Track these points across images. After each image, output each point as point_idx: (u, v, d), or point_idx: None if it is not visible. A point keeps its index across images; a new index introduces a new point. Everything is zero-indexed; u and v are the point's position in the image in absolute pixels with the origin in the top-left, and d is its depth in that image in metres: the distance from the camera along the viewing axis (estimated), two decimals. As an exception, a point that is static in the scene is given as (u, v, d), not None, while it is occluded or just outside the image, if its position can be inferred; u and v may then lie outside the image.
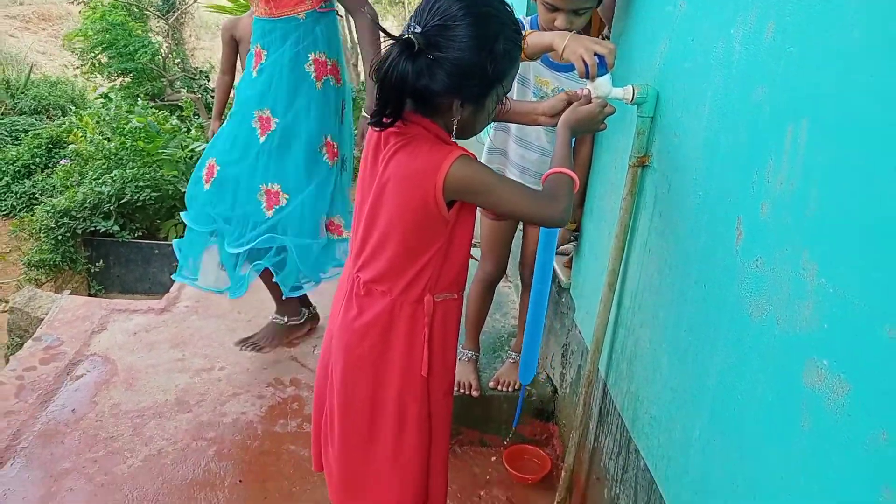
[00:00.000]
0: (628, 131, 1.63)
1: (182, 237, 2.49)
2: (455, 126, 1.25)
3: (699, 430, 1.29)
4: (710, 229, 1.27)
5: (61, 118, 7.14)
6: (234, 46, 3.06)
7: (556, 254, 2.28)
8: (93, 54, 7.74)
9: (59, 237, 4.08)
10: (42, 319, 2.95)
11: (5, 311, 4.10)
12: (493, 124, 1.96)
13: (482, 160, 1.99)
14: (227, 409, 2.42)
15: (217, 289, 2.50)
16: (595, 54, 1.44)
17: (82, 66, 8.19)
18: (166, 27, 8.44)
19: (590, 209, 2.01)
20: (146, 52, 7.31)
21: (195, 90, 7.89)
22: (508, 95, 1.38)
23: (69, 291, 3.82)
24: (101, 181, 4.18)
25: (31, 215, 4.51)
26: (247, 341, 2.68)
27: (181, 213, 2.50)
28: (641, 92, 1.50)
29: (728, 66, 1.21)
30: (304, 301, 2.76)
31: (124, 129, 4.64)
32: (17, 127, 6.99)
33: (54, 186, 4.77)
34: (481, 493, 2.14)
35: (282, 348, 2.75)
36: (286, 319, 2.70)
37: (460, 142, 1.32)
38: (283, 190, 2.33)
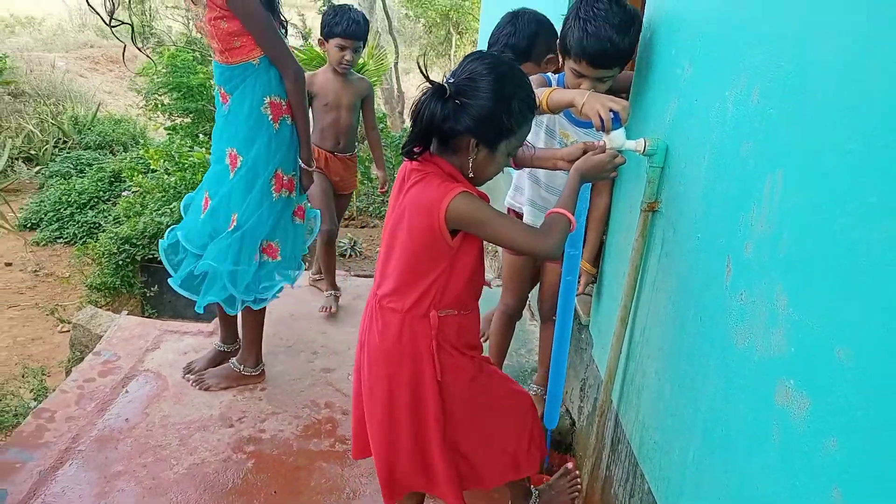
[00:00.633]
0: (643, 180, 1.79)
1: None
2: (470, 165, 1.45)
3: (693, 451, 1.41)
4: (706, 268, 1.42)
5: (123, 154, 7.59)
6: (308, 100, 3.16)
7: (581, 295, 2.44)
8: (156, 94, 8.23)
9: (120, 262, 4.38)
10: (101, 336, 3.19)
11: (66, 331, 4.39)
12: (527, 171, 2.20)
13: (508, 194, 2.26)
14: (266, 426, 2.59)
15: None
16: (610, 110, 1.62)
17: (146, 105, 8.71)
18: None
19: (608, 251, 2.16)
20: (207, 94, 7.76)
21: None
22: (536, 144, 1.59)
23: (126, 312, 4.09)
24: (160, 212, 4.50)
25: (95, 241, 4.84)
26: (195, 372, 2.85)
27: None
28: (652, 144, 1.66)
29: (723, 123, 1.38)
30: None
31: (185, 163, 4.99)
32: (83, 160, 7.45)
33: (117, 216, 5.12)
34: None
35: (319, 372, 2.93)
36: (242, 367, 2.83)
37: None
38: (239, 217, 2.55)
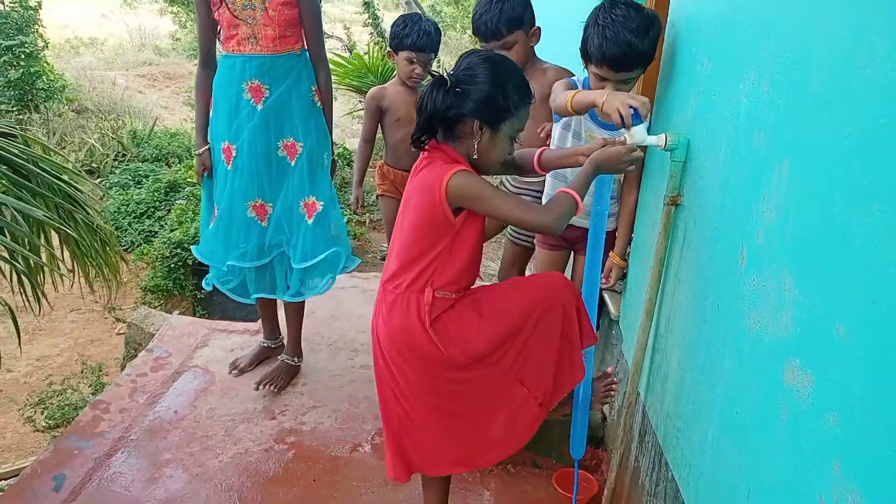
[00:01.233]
0: (667, 174, 1.83)
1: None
2: (476, 148, 1.55)
3: (711, 435, 1.44)
4: (722, 256, 1.45)
5: (178, 165, 7.90)
6: (378, 116, 3.04)
7: (611, 290, 2.47)
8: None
9: (172, 265, 4.59)
10: (154, 335, 3.35)
11: (122, 333, 4.61)
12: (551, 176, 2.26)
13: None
14: (307, 419, 2.69)
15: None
16: (630, 107, 1.66)
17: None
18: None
19: (635, 246, 2.19)
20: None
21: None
22: (564, 146, 1.67)
23: (178, 312, 4.28)
24: (210, 218, 4.69)
25: (150, 246, 5.08)
26: (240, 368, 2.97)
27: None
28: (673, 139, 1.70)
29: (738, 115, 1.41)
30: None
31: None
32: (140, 172, 7.78)
33: (171, 222, 5.35)
34: (530, 508, 2.30)
35: (358, 369, 3.02)
36: (295, 360, 2.95)
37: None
38: (317, 199, 2.64)
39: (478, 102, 1.52)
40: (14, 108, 8.64)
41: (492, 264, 4.85)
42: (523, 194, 2.56)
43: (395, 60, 2.99)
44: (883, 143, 0.89)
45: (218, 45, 2.60)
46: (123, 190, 7.09)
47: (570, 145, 2.19)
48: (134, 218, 6.56)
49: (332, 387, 2.91)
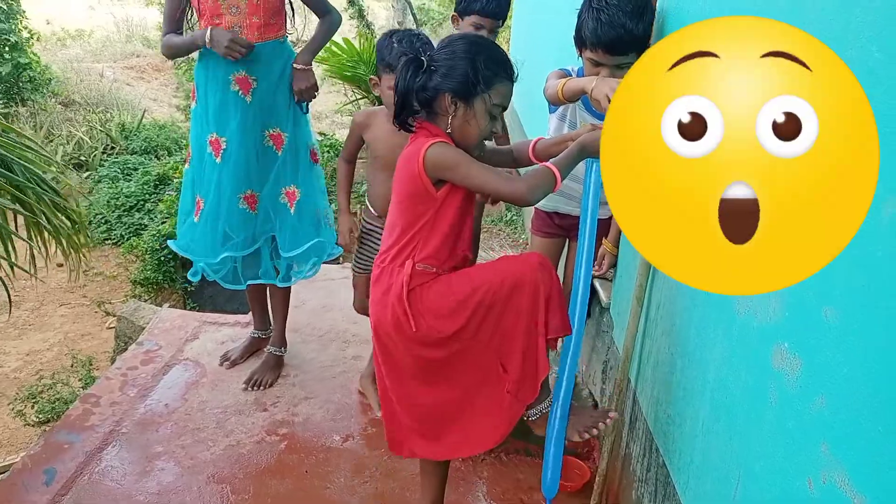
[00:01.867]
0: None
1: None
2: (451, 124, 1.56)
3: (702, 421, 1.44)
4: (712, 242, 1.45)
5: (167, 158, 7.84)
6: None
7: (601, 278, 2.47)
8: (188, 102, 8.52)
9: (162, 258, 4.56)
10: (144, 328, 3.33)
11: (112, 327, 4.58)
12: None
13: None
14: (299, 411, 2.69)
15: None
16: (619, 92, 1.65)
17: (186, 119, 9.02)
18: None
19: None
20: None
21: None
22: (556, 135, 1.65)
23: (168, 305, 4.26)
24: (200, 210, 4.67)
25: (140, 238, 5.04)
26: (232, 360, 2.95)
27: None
28: (663, 125, 1.69)
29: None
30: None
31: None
32: (129, 165, 7.71)
33: (161, 212, 5.30)
34: (523, 497, 2.30)
35: (350, 360, 3.02)
36: (283, 350, 2.95)
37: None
38: (297, 187, 2.64)
39: (447, 77, 1.53)
40: (0, 102, 8.55)
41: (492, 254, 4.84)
42: None
43: (460, 26, 2.50)
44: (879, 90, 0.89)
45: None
46: (113, 183, 7.02)
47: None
48: (123, 211, 6.50)
49: (324, 378, 2.90)
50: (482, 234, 3.94)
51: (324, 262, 2.82)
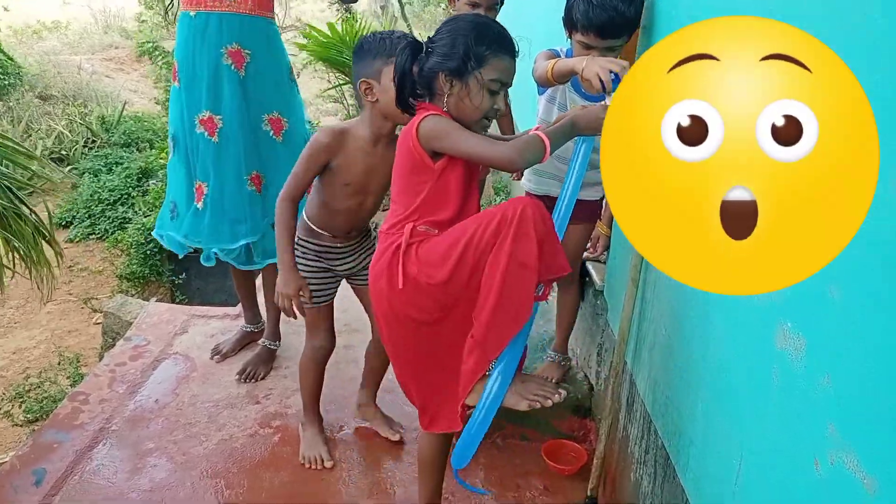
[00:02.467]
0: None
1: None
2: (447, 102, 1.54)
3: (701, 402, 1.43)
4: (708, 221, 1.42)
5: (149, 150, 7.74)
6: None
7: (595, 260, 2.45)
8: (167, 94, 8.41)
9: (148, 252, 4.51)
10: (132, 323, 3.28)
11: (99, 323, 4.53)
12: None
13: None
14: (292, 402, 2.65)
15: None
16: (610, 71, 1.62)
17: (164, 112, 8.90)
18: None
19: (619, 215, 2.17)
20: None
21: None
22: (549, 119, 1.60)
23: (156, 299, 4.21)
24: (184, 202, 4.61)
25: (124, 232, 4.98)
26: (223, 354, 2.90)
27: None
28: (655, 103, 1.66)
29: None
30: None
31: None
32: (111, 159, 7.61)
33: (144, 207, 5.24)
34: (519, 481, 2.29)
35: (341, 349, 2.98)
36: (277, 343, 2.90)
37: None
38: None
39: (440, 55, 1.53)
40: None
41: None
42: None
43: (456, 7, 2.32)
44: (878, 90, 0.86)
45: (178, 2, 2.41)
46: (95, 177, 6.93)
47: (556, 116, 2.15)
48: (107, 205, 6.42)
49: (316, 368, 2.87)
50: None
51: None
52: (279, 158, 2.52)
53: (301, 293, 2.01)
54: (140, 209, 5.59)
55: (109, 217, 6.26)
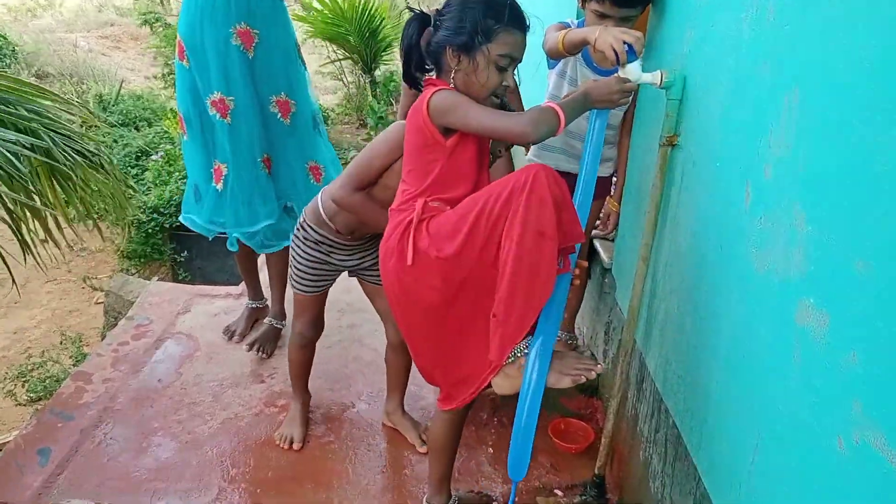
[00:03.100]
0: (662, 115, 1.76)
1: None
2: (455, 78, 1.51)
3: (716, 380, 1.41)
4: (725, 196, 1.39)
5: (147, 129, 7.65)
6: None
7: (602, 238, 2.42)
8: (171, 71, 8.30)
9: (149, 231, 4.48)
10: (133, 302, 3.26)
11: (101, 302, 4.51)
12: None
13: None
14: (296, 382, 2.64)
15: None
16: (624, 42, 1.58)
17: (166, 86, 8.79)
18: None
19: (628, 191, 2.14)
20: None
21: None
22: (559, 94, 1.57)
23: (157, 278, 4.18)
24: (185, 180, 4.56)
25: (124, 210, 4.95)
26: (239, 334, 2.88)
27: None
28: (669, 76, 1.63)
29: (739, 47, 1.34)
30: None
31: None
32: (110, 138, 7.54)
33: (147, 181, 5.16)
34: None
35: (346, 328, 2.97)
36: (283, 323, 2.89)
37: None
38: (319, 162, 2.58)
39: (448, 29, 1.49)
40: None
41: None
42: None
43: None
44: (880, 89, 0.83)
45: None
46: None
47: (566, 92, 2.11)
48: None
49: (320, 348, 2.80)
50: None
51: None
52: (286, 141, 2.51)
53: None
54: (141, 188, 5.55)
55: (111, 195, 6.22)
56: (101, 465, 2.22)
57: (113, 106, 8.58)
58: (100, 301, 4.56)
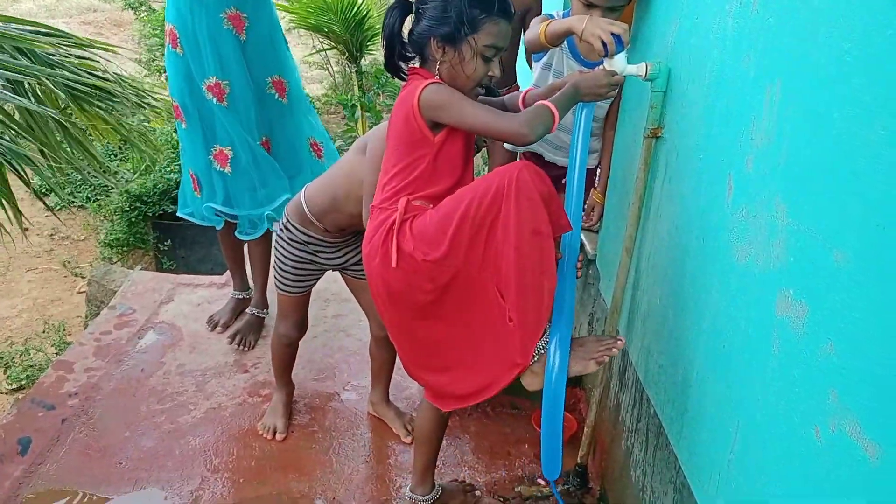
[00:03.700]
0: (646, 107, 1.76)
1: None
2: (440, 70, 1.48)
3: (696, 370, 1.42)
4: (708, 188, 1.40)
5: (131, 116, 7.58)
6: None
7: (588, 230, 2.43)
8: (153, 57, 8.20)
9: (132, 219, 4.44)
10: (116, 291, 3.23)
11: (83, 291, 4.47)
12: None
13: None
14: (280, 372, 2.64)
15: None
16: (611, 34, 1.58)
17: (150, 73, 8.68)
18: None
19: (612, 183, 2.15)
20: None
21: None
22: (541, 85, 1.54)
23: (140, 267, 4.15)
24: (169, 169, 4.52)
25: (108, 198, 4.89)
26: (222, 325, 2.87)
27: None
28: (654, 68, 1.63)
29: (723, 39, 1.35)
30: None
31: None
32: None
33: (126, 173, 5.14)
34: (510, 449, 2.30)
35: (331, 318, 2.97)
36: (265, 311, 2.90)
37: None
38: (316, 138, 2.59)
39: (431, 18, 1.46)
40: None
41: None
42: None
43: None
44: (890, 56, 0.84)
45: None
46: (75, 143, 6.80)
47: (551, 83, 2.11)
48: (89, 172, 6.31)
49: (305, 338, 2.81)
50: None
51: None
52: (286, 121, 2.55)
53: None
54: (123, 176, 5.50)
55: (91, 184, 6.16)
56: (83, 454, 2.21)
57: (96, 93, 8.48)
58: (82, 290, 4.52)
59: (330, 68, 8.13)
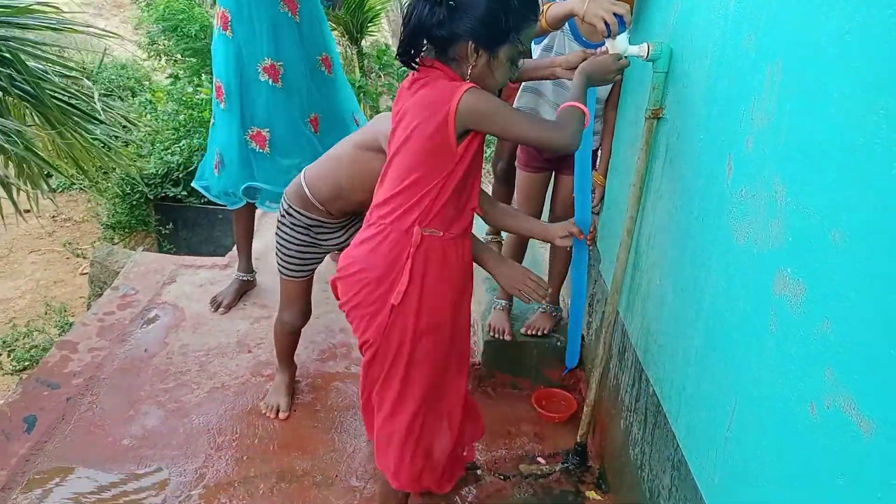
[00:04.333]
0: (648, 88, 1.76)
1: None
2: (470, 74, 1.38)
3: (695, 350, 1.43)
4: (708, 168, 1.41)
5: (131, 98, 7.55)
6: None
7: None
8: (152, 41, 8.17)
9: (134, 202, 4.44)
10: (119, 272, 3.25)
11: (86, 273, 4.48)
12: None
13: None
14: (283, 352, 2.66)
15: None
16: (614, 14, 1.58)
17: (149, 56, 8.65)
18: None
19: (613, 164, 2.15)
20: (208, 33, 7.65)
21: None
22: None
23: (143, 249, 4.16)
24: (170, 151, 4.51)
25: (109, 181, 4.88)
26: (225, 305, 2.91)
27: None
28: (656, 49, 1.63)
29: (725, 19, 1.35)
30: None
31: (191, 101, 4.98)
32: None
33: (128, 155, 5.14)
34: (511, 429, 2.32)
35: (334, 300, 2.97)
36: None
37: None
38: (356, 114, 2.71)
39: (473, 21, 1.33)
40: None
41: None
42: None
43: None
44: (890, 36, 0.84)
45: None
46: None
47: (544, 62, 2.10)
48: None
49: (307, 318, 2.87)
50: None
51: None
52: (336, 95, 2.66)
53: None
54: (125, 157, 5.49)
55: (94, 166, 6.15)
56: (88, 432, 2.23)
57: (96, 75, 8.45)
58: (85, 271, 4.53)
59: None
